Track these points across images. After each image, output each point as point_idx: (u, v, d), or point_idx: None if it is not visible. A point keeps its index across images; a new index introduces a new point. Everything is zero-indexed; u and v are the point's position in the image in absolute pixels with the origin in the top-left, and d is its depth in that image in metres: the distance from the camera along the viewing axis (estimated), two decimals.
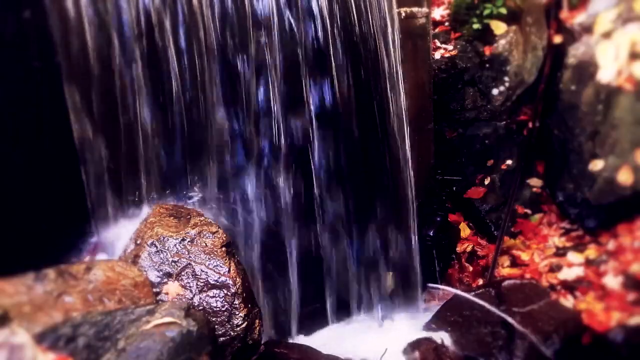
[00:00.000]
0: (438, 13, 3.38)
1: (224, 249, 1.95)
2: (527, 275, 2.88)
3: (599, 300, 2.65)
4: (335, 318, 2.69)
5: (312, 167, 2.49)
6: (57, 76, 1.93)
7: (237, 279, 1.89)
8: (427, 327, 2.57)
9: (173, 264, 1.90)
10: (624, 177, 2.84)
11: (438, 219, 3.15)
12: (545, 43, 3.35)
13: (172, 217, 2.06)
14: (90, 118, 2.00)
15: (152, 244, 1.93)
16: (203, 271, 1.88)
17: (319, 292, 2.63)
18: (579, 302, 2.67)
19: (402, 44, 2.67)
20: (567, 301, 2.70)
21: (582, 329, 2.54)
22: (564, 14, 3.33)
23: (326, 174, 2.52)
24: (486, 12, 3.20)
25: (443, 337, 2.47)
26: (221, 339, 1.79)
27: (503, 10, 3.19)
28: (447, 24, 3.37)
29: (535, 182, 3.26)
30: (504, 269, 2.99)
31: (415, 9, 2.87)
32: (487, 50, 3.25)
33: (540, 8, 3.37)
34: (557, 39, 3.31)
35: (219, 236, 1.98)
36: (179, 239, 1.95)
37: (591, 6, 3.19)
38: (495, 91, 3.26)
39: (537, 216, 3.18)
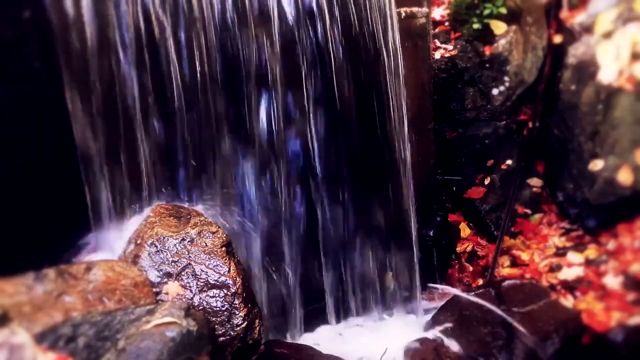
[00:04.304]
0: (438, 13, 3.39)
1: (224, 249, 1.95)
2: (527, 275, 2.88)
3: (599, 300, 2.65)
4: (335, 318, 2.69)
5: (312, 166, 2.48)
6: (57, 76, 1.93)
7: (237, 279, 1.89)
8: (427, 327, 2.57)
9: (173, 263, 1.90)
10: (624, 177, 2.84)
11: (438, 219, 3.14)
12: (545, 43, 3.36)
13: (172, 217, 2.06)
14: (90, 118, 2.00)
15: (152, 243, 1.93)
16: (203, 271, 1.89)
17: (319, 292, 2.63)
18: (579, 302, 2.67)
19: (402, 44, 2.67)
20: (567, 301, 2.70)
21: (582, 329, 2.54)
22: (564, 13, 3.33)
23: (326, 173, 2.52)
24: (486, 12, 3.20)
25: (443, 337, 2.47)
26: (221, 338, 1.79)
27: (503, 10, 3.20)
28: (447, 24, 3.37)
29: (535, 182, 3.26)
30: (504, 269, 2.99)
31: (415, 9, 2.87)
32: (487, 50, 3.25)
33: (540, 8, 3.38)
34: (557, 39, 3.31)
35: (219, 236, 1.98)
36: (179, 239, 1.95)
37: (591, 6, 3.19)
38: (495, 91, 3.26)
39: (537, 216, 3.18)
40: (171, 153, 2.21)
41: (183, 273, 1.88)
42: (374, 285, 2.77)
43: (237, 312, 1.84)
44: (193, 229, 1.99)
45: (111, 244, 2.05)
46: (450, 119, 3.29)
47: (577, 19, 3.23)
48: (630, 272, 2.69)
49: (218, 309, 1.83)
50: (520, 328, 2.41)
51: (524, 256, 3.01)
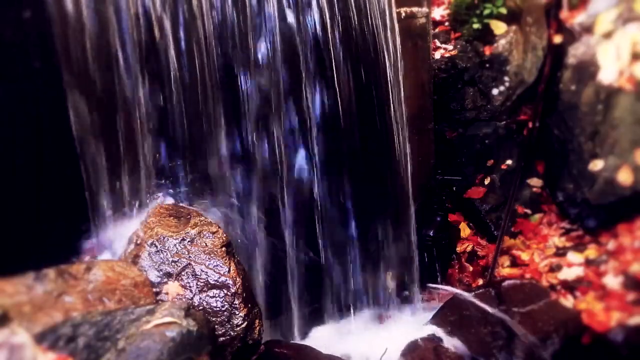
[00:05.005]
0: (438, 13, 3.38)
1: (224, 249, 1.95)
2: (527, 275, 2.88)
3: (599, 300, 2.65)
4: (335, 318, 2.69)
5: (312, 166, 2.49)
6: (57, 76, 1.93)
7: (237, 279, 1.89)
8: (427, 327, 2.57)
9: (173, 263, 1.90)
10: (624, 177, 2.84)
11: (438, 219, 3.14)
12: (545, 43, 3.35)
13: (172, 217, 2.06)
14: (90, 118, 2.00)
15: (152, 243, 1.93)
16: (203, 271, 1.89)
17: (319, 292, 2.63)
18: (579, 302, 2.67)
19: (402, 44, 2.67)
20: (567, 301, 2.70)
21: (582, 329, 2.54)
22: (564, 14, 3.33)
23: (326, 174, 2.52)
24: (486, 12, 3.20)
25: (443, 337, 2.47)
26: (221, 339, 1.79)
27: (503, 10, 3.20)
28: (447, 24, 3.37)
29: (535, 182, 3.26)
30: (504, 269, 2.98)
31: (415, 9, 2.87)
32: (487, 50, 3.25)
33: (540, 8, 3.37)
34: (557, 39, 3.31)
35: (219, 236, 1.98)
36: (179, 239, 1.95)
37: (591, 6, 3.19)
38: (495, 91, 3.26)
39: (537, 216, 3.18)
40: (171, 153, 2.21)
41: (183, 273, 1.89)
42: (374, 285, 2.77)
43: (237, 312, 1.84)
44: (193, 229, 1.99)
45: (111, 244, 2.05)
46: (450, 119, 3.29)
47: (577, 19, 3.23)
48: (630, 272, 2.69)
49: (218, 309, 1.84)
50: (519, 330, 2.41)
51: (524, 256, 3.01)
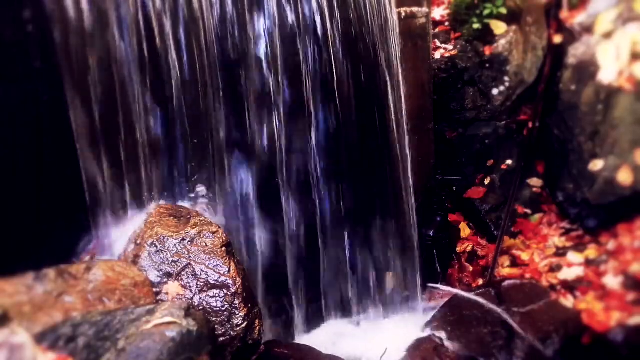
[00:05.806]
0: (438, 13, 3.39)
1: (224, 249, 1.95)
2: (527, 275, 2.88)
3: (599, 300, 2.65)
4: (335, 318, 2.69)
5: (312, 166, 2.49)
6: (57, 76, 1.93)
7: (237, 279, 1.89)
8: (427, 327, 2.57)
9: (173, 263, 1.90)
10: (624, 177, 2.84)
11: (438, 219, 3.15)
12: (545, 43, 3.36)
13: (172, 217, 2.06)
14: (90, 118, 2.00)
15: (152, 243, 1.93)
16: (203, 271, 1.89)
17: (319, 291, 2.63)
18: (579, 302, 2.67)
19: (402, 43, 2.67)
20: (567, 301, 2.70)
21: (582, 329, 2.54)
22: (564, 14, 3.33)
23: (326, 173, 2.52)
24: (486, 12, 3.20)
25: (443, 337, 2.47)
26: (221, 338, 1.79)
27: (503, 10, 3.20)
28: (447, 24, 3.37)
29: (535, 182, 3.26)
30: (504, 269, 2.98)
31: (415, 9, 2.87)
32: (487, 50, 3.25)
33: (540, 8, 3.38)
34: (557, 39, 3.31)
35: (219, 236, 1.98)
36: (179, 239, 1.95)
37: (591, 6, 3.19)
38: (495, 91, 3.26)
39: (537, 216, 3.18)
40: (172, 152, 2.21)
41: (183, 273, 1.88)
42: (374, 285, 2.77)
43: (237, 312, 1.84)
44: (193, 229, 1.99)
45: (111, 244, 2.05)
46: (450, 119, 3.29)
47: (577, 19, 3.23)
48: (630, 272, 2.69)
49: (218, 309, 1.84)
50: (519, 329, 2.41)
51: (524, 256, 3.01)
